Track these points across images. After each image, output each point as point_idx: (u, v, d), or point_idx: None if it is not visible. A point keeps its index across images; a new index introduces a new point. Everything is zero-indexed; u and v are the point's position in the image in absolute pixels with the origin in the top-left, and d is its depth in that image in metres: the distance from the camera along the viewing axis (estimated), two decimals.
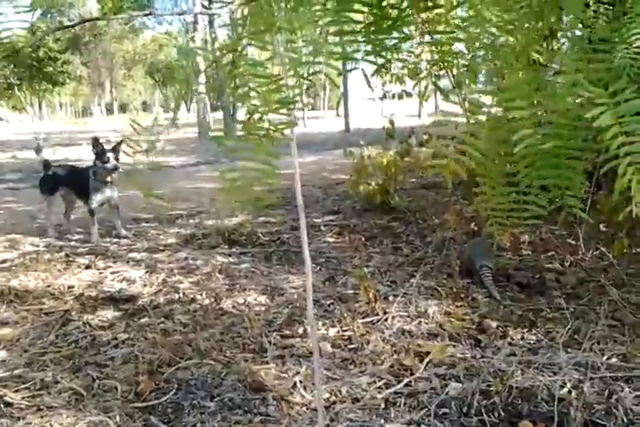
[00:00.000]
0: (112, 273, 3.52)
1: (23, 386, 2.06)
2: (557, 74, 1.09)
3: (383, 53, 1.25)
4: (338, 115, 26.97)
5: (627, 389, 1.87)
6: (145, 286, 3.26)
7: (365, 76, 1.43)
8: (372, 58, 1.25)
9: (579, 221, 3.80)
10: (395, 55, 1.27)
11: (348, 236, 4.24)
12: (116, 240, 4.40)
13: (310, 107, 33.78)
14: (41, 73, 27.12)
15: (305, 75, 1.10)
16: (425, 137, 6.12)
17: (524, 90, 1.02)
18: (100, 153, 4.21)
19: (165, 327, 2.57)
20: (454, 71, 1.63)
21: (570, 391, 1.88)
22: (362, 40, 1.23)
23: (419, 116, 18.50)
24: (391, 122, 5.62)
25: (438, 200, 5.24)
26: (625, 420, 1.68)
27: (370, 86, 1.45)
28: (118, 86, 44.66)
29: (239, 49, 1.17)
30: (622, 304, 2.61)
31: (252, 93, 1.17)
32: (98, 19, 12.36)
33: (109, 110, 40.78)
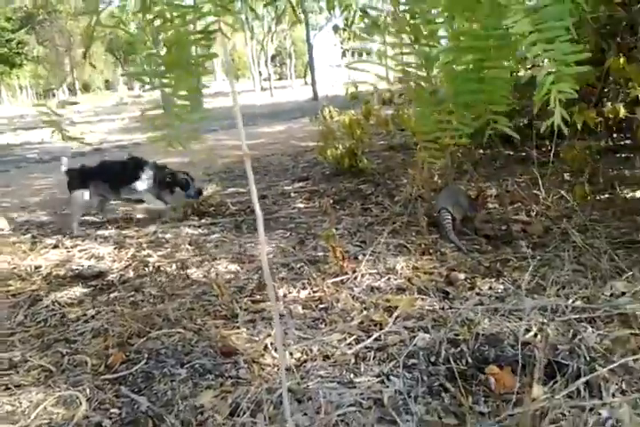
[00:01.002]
0: (80, 251, 3.47)
1: None
2: None
3: None
4: (305, 83, 26.62)
5: (589, 329, 1.91)
6: (114, 261, 3.22)
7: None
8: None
9: (542, 173, 3.84)
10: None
11: (317, 201, 4.22)
12: (83, 219, 4.32)
13: (278, 76, 33.25)
14: None
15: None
16: (387, 95, 6.06)
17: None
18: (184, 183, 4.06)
19: (135, 300, 2.56)
20: None
21: (535, 335, 1.92)
22: None
23: (387, 79, 18.32)
24: (354, 85, 5.55)
25: (406, 160, 5.23)
26: (588, 358, 1.72)
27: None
28: (78, 66, 43.36)
29: None
30: (586, 249, 2.65)
31: (170, 26, 1.11)
32: None
33: (71, 91, 39.63)
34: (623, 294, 2.18)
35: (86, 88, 47.69)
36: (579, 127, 2.65)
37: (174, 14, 1.05)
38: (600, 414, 1.48)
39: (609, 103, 2.43)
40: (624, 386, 1.59)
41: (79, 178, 4.05)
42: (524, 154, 4.84)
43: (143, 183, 3.99)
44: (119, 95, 31.01)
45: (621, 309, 2.01)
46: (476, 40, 0.97)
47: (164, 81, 1.08)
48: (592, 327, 1.92)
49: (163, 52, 1.20)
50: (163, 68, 1.08)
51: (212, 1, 0.99)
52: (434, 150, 1.20)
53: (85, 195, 4.02)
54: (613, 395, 1.56)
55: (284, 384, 1.23)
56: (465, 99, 1.05)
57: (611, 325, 1.93)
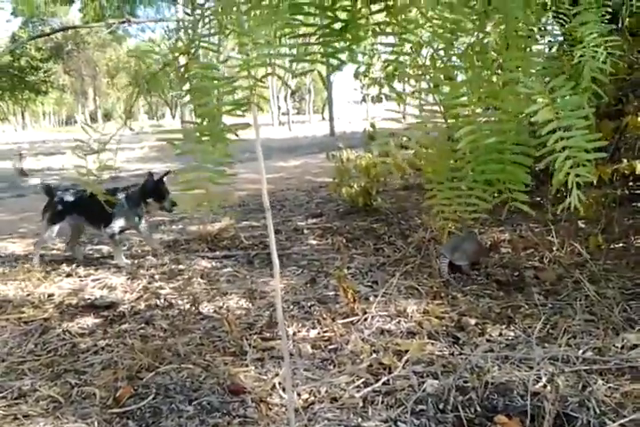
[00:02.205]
0: (93, 280, 3.50)
1: (0, 395, 2.05)
2: (497, 64, 1.11)
3: (336, 55, 1.26)
4: (323, 119, 27.04)
5: (600, 381, 1.89)
6: (126, 292, 3.25)
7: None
8: (323, 59, 1.27)
9: (557, 219, 3.85)
10: (348, 57, 1.29)
11: (330, 238, 4.25)
12: (97, 248, 4.39)
13: (296, 111, 33.82)
14: (23, 82, 26.96)
15: (258, 76, 1.11)
16: (404, 139, 6.14)
17: (470, 87, 1.05)
18: (156, 190, 3.86)
19: (145, 333, 2.57)
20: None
21: (545, 386, 1.90)
22: (314, 42, 1.24)
23: (403, 118, 18.57)
24: (372, 125, 5.64)
25: (420, 201, 5.27)
26: (598, 411, 1.71)
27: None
28: (102, 94, 44.43)
29: (192, 51, 1.18)
30: (598, 299, 2.64)
31: (204, 96, 1.18)
32: (77, 27, 12.28)
33: (93, 118, 40.54)
34: (635, 346, 2.16)
35: (107, 116, 48.78)
36: (594, 182, 2.68)
37: (209, 87, 1.11)
38: None
39: (625, 160, 2.46)
40: None
41: (54, 210, 3.89)
42: (539, 199, 4.87)
43: (115, 225, 3.83)
44: (140, 124, 31.64)
45: (633, 362, 2.00)
46: (500, 124, 1.02)
47: (198, 147, 1.14)
48: (602, 380, 1.91)
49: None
50: (197, 133, 1.14)
51: (247, 75, 1.06)
52: (451, 221, 1.24)
53: (54, 230, 3.90)
54: None
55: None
56: (485, 176, 1.10)
57: (622, 378, 1.92)
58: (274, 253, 1.27)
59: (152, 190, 3.85)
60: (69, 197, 3.92)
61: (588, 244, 3.12)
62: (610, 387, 1.86)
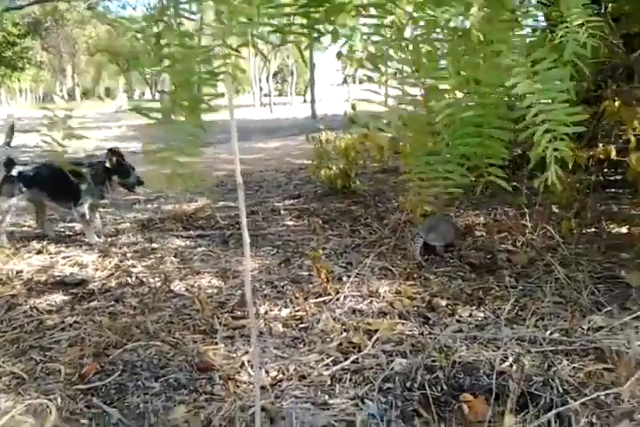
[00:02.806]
0: (64, 258, 3.45)
1: None
2: (481, 44, 1.10)
3: (316, 27, 1.23)
4: (305, 101, 26.82)
5: (565, 361, 1.91)
6: (97, 270, 3.21)
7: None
8: (304, 31, 1.24)
9: (531, 204, 3.87)
10: (328, 28, 1.26)
11: (307, 219, 4.23)
12: (70, 225, 4.31)
13: (278, 93, 33.51)
14: None
15: (234, 46, 1.07)
16: (384, 121, 6.11)
17: (450, 59, 1.03)
18: (119, 166, 3.76)
19: (114, 311, 2.54)
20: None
21: (511, 365, 1.92)
22: (294, 12, 1.21)
23: (385, 101, 18.51)
24: (353, 107, 5.60)
25: (398, 184, 5.27)
26: (561, 390, 1.73)
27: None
28: (81, 72, 43.51)
29: (166, 19, 1.14)
30: (567, 282, 2.66)
31: (179, 64, 1.14)
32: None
33: (71, 96, 39.73)
34: (601, 328, 2.19)
35: (86, 94, 47.85)
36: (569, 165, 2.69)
37: (184, 55, 1.07)
38: None
39: (601, 144, 2.47)
40: (594, 420, 1.59)
41: (11, 183, 3.71)
42: (515, 184, 4.89)
43: (82, 207, 3.73)
44: (119, 103, 31.09)
45: (597, 343, 2.02)
46: (479, 98, 1.00)
47: (171, 117, 1.10)
48: (567, 360, 1.93)
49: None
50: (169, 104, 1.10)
51: (223, 43, 1.02)
52: (426, 200, 1.23)
53: (11, 204, 3.73)
54: None
55: (257, 403, 1.22)
56: (462, 150, 1.08)
57: (586, 358, 1.94)
58: (245, 232, 1.25)
59: (115, 168, 3.75)
60: (29, 172, 3.78)
61: (561, 228, 3.14)
62: (574, 367, 1.88)
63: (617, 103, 2.31)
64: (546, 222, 3.43)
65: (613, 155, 2.45)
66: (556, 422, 1.59)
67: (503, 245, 3.35)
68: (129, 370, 1.98)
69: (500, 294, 2.65)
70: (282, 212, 4.56)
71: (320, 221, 4.06)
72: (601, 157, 2.48)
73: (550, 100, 0.89)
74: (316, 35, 1.29)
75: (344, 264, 3.12)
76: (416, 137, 1.35)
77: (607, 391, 1.70)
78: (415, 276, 2.88)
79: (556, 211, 3.89)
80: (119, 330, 2.26)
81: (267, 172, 6.93)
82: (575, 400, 1.66)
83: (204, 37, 1.20)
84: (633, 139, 2.34)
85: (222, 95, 1.14)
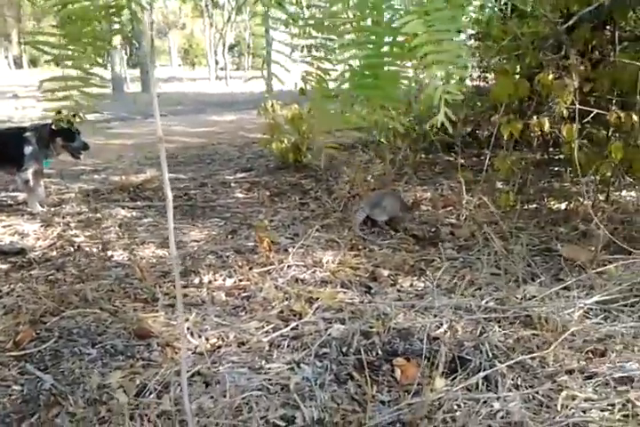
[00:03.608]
0: (4, 227, 3.35)
1: None
2: None
3: None
4: (262, 75, 26.41)
5: (496, 328, 1.99)
6: (38, 239, 3.13)
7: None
8: None
9: (477, 180, 3.96)
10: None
11: (256, 192, 4.22)
12: (13, 195, 4.17)
13: (235, 66, 32.86)
14: None
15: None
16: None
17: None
18: (64, 129, 3.58)
19: (54, 279, 2.49)
20: None
21: (445, 331, 1.99)
22: None
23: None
24: (303, 78, 5.54)
25: (350, 159, 5.29)
26: (490, 355, 1.80)
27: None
28: (28, 39, 41.54)
29: None
30: (505, 254, 2.75)
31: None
32: None
33: (18, 64, 37.99)
34: (534, 297, 2.28)
35: (34, 62, 45.84)
36: (505, 138, 2.76)
37: None
38: (492, 406, 1.55)
39: (535, 117, 2.54)
40: (519, 382, 1.67)
41: None
42: (463, 160, 4.99)
43: (26, 172, 3.62)
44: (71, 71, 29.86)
45: (529, 311, 2.11)
46: (372, 35, 0.99)
47: (68, 53, 1.06)
48: (499, 327, 2.01)
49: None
50: (65, 40, 1.06)
51: None
52: (332, 149, 1.23)
53: None
54: (509, 389, 1.64)
55: (183, 369, 1.23)
56: (362, 93, 1.07)
57: (516, 325, 2.02)
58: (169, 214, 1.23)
59: (60, 130, 3.59)
60: None
61: (501, 202, 3.22)
62: (504, 333, 1.96)
63: (550, 76, 2.36)
64: (489, 198, 3.52)
65: (547, 127, 2.51)
66: (483, 384, 1.66)
67: (447, 219, 3.43)
68: (65, 337, 1.95)
69: (440, 265, 2.72)
70: (232, 184, 4.53)
71: (270, 194, 4.06)
72: (536, 129, 2.54)
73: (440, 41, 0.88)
74: None
75: (291, 236, 3.14)
76: (318, 101, 1.32)
77: (532, 355, 1.78)
78: (360, 247, 2.92)
79: (501, 187, 4.00)
80: (57, 298, 2.23)
81: (220, 145, 6.84)
82: (502, 364, 1.73)
83: None
84: (565, 111, 2.41)
85: (121, 31, 1.10)
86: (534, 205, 3.64)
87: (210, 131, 8.12)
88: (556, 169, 4.63)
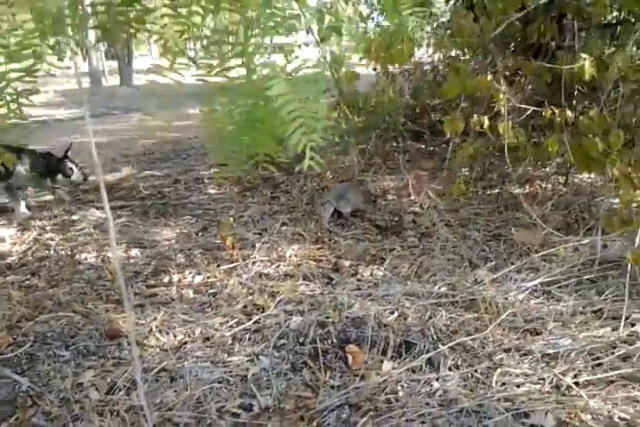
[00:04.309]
0: None
1: None
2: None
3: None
4: (242, 63, 26.20)
5: (443, 312, 2.13)
6: (15, 244, 3.23)
7: None
8: None
9: (441, 168, 4.09)
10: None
11: (229, 187, 4.32)
12: None
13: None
14: None
15: None
16: None
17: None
18: (60, 168, 3.83)
19: (30, 284, 2.60)
20: None
21: (396, 318, 2.12)
22: None
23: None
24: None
25: (324, 151, 5.39)
26: (434, 338, 1.94)
27: None
28: (3, 33, 40.88)
29: None
30: (463, 240, 2.90)
31: None
32: None
33: None
34: (483, 281, 2.42)
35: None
36: (448, 134, 2.90)
37: None
38: (432, 385, 1.69)
39: (475, 115, 2.67)
40: (459, 362, 1.82)
41: None
42: (432, 148, 5.12)
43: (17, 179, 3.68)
44: (46, 66, 29.48)
45: (476, 295, 2.25)
46: (248, 97, 1.10)
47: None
48: (446, 311, 2.15)
49: None
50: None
51: None
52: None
53: None
54: (450, 369, 1.78)
55: (137, 368, 1.35)
56: (242, 142, 1.18)
57: (462, 309, 2.17)
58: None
59: (56, 169, 3.82)
60: None
61: (454, 192, 3.32)
62: (450, 317, 2.10)
63: (489, 77, 2.49)
64: (450, 186, 3.65)
65: (486, 125, 2.65)
66: (426, 365, 1.81)
67: (411, 208, 3.56)
68: (40, 341, 2.07)
69: (401, 253, 2.86)
70: (205, 180, 4.63)
71: (242, 189, 4.17)
72: (476, 127, 2.68)
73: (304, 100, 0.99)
74: None
75: (259, 231, 3.25)
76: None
77: (472, 337, 1.92)
78: (325, 240, 3.05)
79: (467, 174, 4.14)
80: (31, 303, 2.34)
81: (195, 139, 6.90)
82: (445, 346, 1.88)
83: None
84: (503, 109, 2.54)
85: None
86: (496, 191, 3.78)
87: (186, 124, 8.15)
88: (520, 154, 4.76)
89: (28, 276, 2.72)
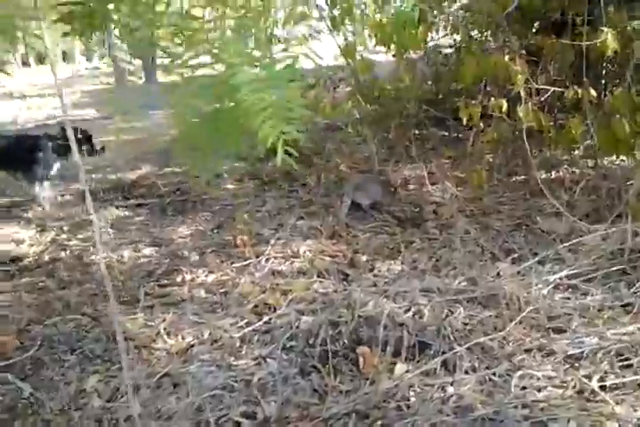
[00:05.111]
0: (0, 235, 3.45)
1: None
2: None
3: None
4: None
5: (461, 310, 2.02)
6: (32, 245, 3.22)
7: None
8: None
9: (467, 154, 3.93)
10: None
11: (248, 182, 4.26)
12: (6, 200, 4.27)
13: None
14: None
15: None
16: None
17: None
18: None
19: (42, 286, 2.58)
20: None
21: (413, 316, 2.02)
22: None
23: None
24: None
25: (344, 141, 5.27)
26: (451, 338, 1.83)
27: None
28: (32, 36, 41.58)
29: None
30: (486, 230, 2.77)
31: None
32: None
33: (25, 62, 38.21)
34: (506, 274, 2.30)
35: (41, 60, 46.10)
36: (465, 121, 2.76)
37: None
38: (446, 390, 1.59)
39: (492, 98, 2.54)
40: (476, 364, 1.71)
41: None
42: (455, 135, 4.95)
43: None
44: (75, 68, 30.01)
45: (497, 290, 2.12)
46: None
47: None
48: (465, 309, 2.03)
49: None
50: None
51: None
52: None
53: None
54: (466, 372, 1.68)
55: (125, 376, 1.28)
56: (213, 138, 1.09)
57: (481, 306, 2.05)
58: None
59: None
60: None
61: (474, 182, 3.18)
62: (469, 315, 1.98)
63: (506, 58, 2.34)
64: (476, 173, 3.50)
65: (504, 108, 2.51)
66: (441, 368, 1.70)
67: (432, 198, 3.43)
68: (47, 344, 2.04)
69: (420, 246, 2.75)
70: (224, 175, 4.57)
71: (260, 184, 4.10)
72: (495, 111, 2.53)
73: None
74: None
75: (275, 226, 3.17)
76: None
77: (491, 336, 1.81)
78: (342, 234, 2.95)
79: (490, 161, 3.97)
80: (41, 305, 2.31)
81: None
82: (462, 346, 1.77)
83: None
84: (522, 92, 2.40)
85: None
86: (521, 177, 3.62)
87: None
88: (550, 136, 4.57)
89: (43, 278, 2.70)
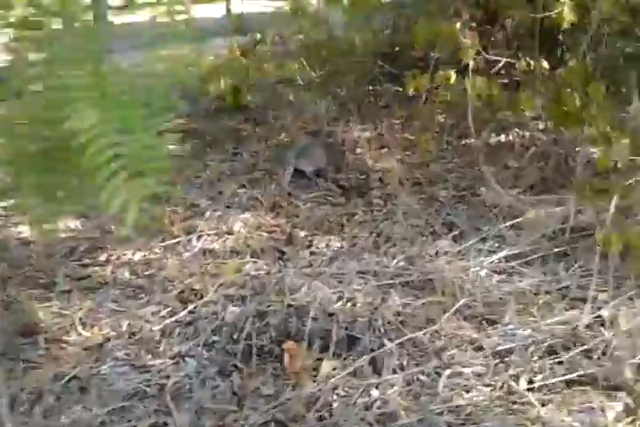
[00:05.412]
0: None
1: None
2: None
3: None
4: None
5: (395, 296, 1.92)
6: None
7: None
8: None
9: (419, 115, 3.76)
10: None
11: (190, 142, 4.01)
12: None
13: None
14: None
15: None
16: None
17: None
18: None
19: None
20: None
21: (345, 304, 1.91)
22: None
23: None
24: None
25: (296, 98, 5.00)
26: (381, 331, 1.73)
27: None
28: None
29: None
30: (430, 202, 2.66)
31: None
32: None
33: None
34: (446, 253, 2.21)
35: None
36: (410, 93, 2.61)
37: None
38: (371, 394, 1.51)
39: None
40: (405, 362, 1.62)
41: None
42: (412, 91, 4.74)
43: None
44: None
45: (434, 272, 2.03)
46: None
47: None
48: (399, 294, 1.93)
49: None
50: None
51: None
52: None
53: None
54: (394, 371, 1.59)
55: None
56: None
57: (417, 291, 1.96)
58: None
59: None
60: None
61: (421, 147, 3.04)
62: (402, 303, 1.89)
63: (457, 25, 2.16)
64: (428, 135, 3.35)
65: (453, 79, 2.36)
66: (369, 366, 1.61)
67: (379, 164, 3.28)
68: None
69: (363, 218, 2.63)
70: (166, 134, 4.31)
71: (202, 143, 3.87)
72: (443, 82, 2.38)
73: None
74: None
75: (213, 195, 2.99)
76: None
77: (424, 331, 1.72)
78: (282, 205, 2.79)
79: (442, 121, 3.81)
80: None
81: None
82: (392, 342, 1.67)
83: None
84: (471, 63, 2.24)
85: None
86: (472, 140, 3.49)
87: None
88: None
89: None
